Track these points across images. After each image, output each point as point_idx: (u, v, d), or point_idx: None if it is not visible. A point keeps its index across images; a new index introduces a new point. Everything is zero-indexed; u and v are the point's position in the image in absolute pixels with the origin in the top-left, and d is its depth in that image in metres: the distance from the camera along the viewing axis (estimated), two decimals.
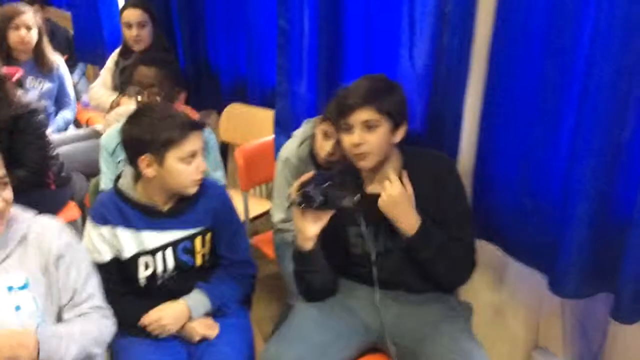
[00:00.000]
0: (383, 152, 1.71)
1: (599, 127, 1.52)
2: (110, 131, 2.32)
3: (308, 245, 1.69)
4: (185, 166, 1.71)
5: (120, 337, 1.74)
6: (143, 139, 1.69)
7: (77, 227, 2.68)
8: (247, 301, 2.04)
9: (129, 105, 2.60)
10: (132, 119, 1.75)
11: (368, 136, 1.67)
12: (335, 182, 1.66)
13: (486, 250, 1.93)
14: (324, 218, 1.66)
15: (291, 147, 2.18)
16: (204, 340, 1.77)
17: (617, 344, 1.82)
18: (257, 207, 2.79)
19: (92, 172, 2.65)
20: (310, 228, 1.65)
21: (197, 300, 1.79)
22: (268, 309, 2.32)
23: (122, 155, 2.23)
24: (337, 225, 1.75)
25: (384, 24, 2.15)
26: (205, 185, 1.84)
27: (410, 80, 2.08)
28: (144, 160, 1.70)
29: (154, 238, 1.78)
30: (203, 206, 1.82)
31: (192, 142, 1.71)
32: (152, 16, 3.16)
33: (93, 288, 1.60)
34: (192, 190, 1.76)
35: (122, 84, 3.06)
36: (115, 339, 1.76)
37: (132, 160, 1.74)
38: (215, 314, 1.83)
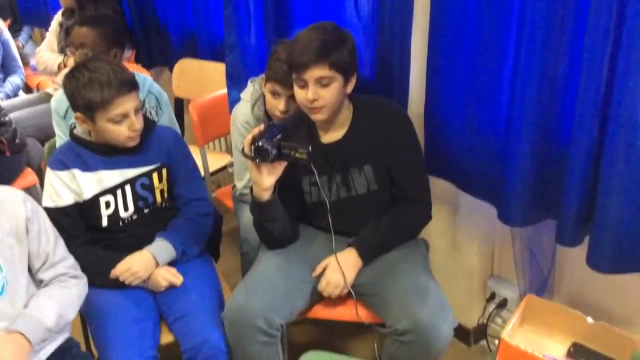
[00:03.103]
0: (337, 104, 1.74)
1: (536, 61, 1.57)
2: (59, 94, 2.29)
3: (265, 196, 1.73)
4: (117, 126, 1.74)
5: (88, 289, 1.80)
6: (71, 100, 1.75)
7: (37, 192, 2.66)
8: (212, 249, 2.10)
9: None
10: (67, 78, 1.77)
11: (322, 92, 1.68)
12: (288, 134, 1.69)
13: (440, 187, 2.01)
14: (279, 169, 1.69)
15: (246, 111, 2.16)
16: (170, 289, 1.82)
17: (564, 266, 1.93)
18: (216, 161, 2.81)
19: (46, 136, 2.62)
20: (265, 180, 1.69)
21: (160, 247, 1.84)
22: (234, 261, 2.37)
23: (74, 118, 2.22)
24: (292, 175, 1.80)
25: None
26: (158, 129, 1.93)
27: (356, 27, 2.10)
28: (78, 117, 1.77)
29: (112, 176, 1.84)
30: (157, 145, 1.90)
31: (121, 105, 1.71)
32: None
33: (64, 250, 1.65)
34: (131, 143, 1.81)
35: (67, 46, 2.99)
36: None
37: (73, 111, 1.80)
38: (179, 260, 1.88)
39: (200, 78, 2.96)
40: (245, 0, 2.42)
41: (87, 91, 1.69)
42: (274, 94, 2.01)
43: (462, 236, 2.16)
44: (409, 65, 1.98)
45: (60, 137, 2.27)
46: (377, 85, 2.12)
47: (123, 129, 1.75)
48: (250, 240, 2.11)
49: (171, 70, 3.14)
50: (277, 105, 2.01)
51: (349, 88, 1.75)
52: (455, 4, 1.77)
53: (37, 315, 1.50)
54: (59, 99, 2.27)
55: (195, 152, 2.22)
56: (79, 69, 1.75)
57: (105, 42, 2.39)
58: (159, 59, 3.29)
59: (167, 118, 2.37)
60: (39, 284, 1.61)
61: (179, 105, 3.19)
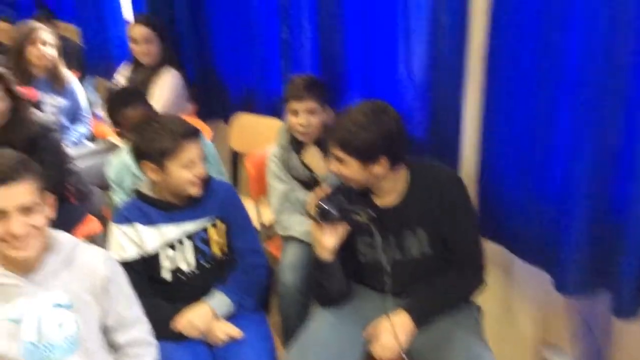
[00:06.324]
0: (361, 181, 1.77)
1: (592, 128, 1.60)
2: (114, 164, 2.44)
3: (327, 256, 1.78)
4: (186, 171, 1.85)
5: None
6: (142, 149, 1.87)
7: (99, 240, 2.75)
8: (264, 304, 2.14)
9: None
10: (136, 129, 1.92)
11: (340, 168, 1.76)
12: (350, 197, 1.75)
13: (493, 250, 2.01)
14: (341, 231, 1.76)
15: (275, 144, 2.35)
16: (227, 342, 1.86)
17: (621, 340, 1.89)
18: (269, 213, 2.87)
19: (106, 183, 2.72)
20: (328, 241, 1.76)
21: (218, 300, 1.90)
22: None
23: (129, 181, 2.34)
24: (348, 234, 1.83)
25: (381, 37, 2.24)
26: (213, 182, 2.03)
27: (408, 91, 2.17)
28: (146, 166, 1.87)
29: (172, 230, 1.92)
30: (213, 199, 1.98)
31: (189, 151, 1.85)
32: (159, 32, 3.23)
33: (140, 312, 1.70)
34: (194, 191, 1.89)
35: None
36: None
37: (138, 164, 1.91)
38: (236, 313, 1.93)
39: (257, 132, 3.06)
40: (302, 62, 2.57)
41: (159, 140, 1.82)
42: (293, 113, 2.17)
43: (516, 302, 2.14)
44: (461, 127, 2.04)
45: (118, 203, 2.36)
46: (429, 147, 2.16)
47: (190, 175, 1.85)
48: (287, 283, 2.16)
49: (227, 123, 3.26)
50: (299, 121, 2.17)
51: (377, 169, 1.74)
52: (510, 67, 1.82)
53: None
54: (115, 169, 2.39)
55: (248, 204, 2.29)
56: (146, 123, 1.89)
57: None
58: (216, 112, 3.41)
59: (215, 169, 2.47)
60: (111, 345, 1.64)
61: (234, 158, 3.29)
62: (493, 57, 1.88)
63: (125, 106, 2.43)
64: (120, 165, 2.40)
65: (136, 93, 2.62)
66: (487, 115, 1.95)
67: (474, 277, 1.88)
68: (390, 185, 1.82)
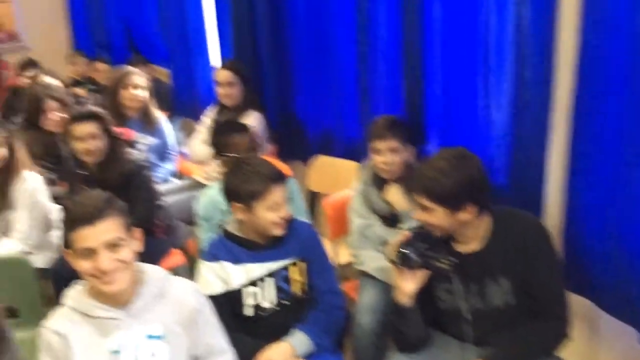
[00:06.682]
0: (447, 228, 1.78)
1: None
2: (202, 201, 2.54)
3: (406, 301, 1.80)
4: (271, 213, 1.93)
5: None
6: (232, 189, 1.97)
7: (181, 272, 2.85)
8: (339, 344, 2.16)
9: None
10: (231, 170, 2.03)
11: (426, 216, 1.77)
12: (431, 243, 1.77)
13: (578, 303, 1.95)
14: (422, 277, 1.77)
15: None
16: None
17: None
18: (346, 254, 2.91)
19: (191, 218, 2.83)
20: (408, 286, 1.78)
21: (298, 339, 1.95)
22: None
23: (217, 217, 2.43)
24: (428, 280, 1.84)
25: (463, 84, 2.29)
26: (296, 223, 2.09)
27: (490, 138, 2.18)
28: (235, 206, 1.96)
29: (256, 268, 1.99)
30: (294, 239, 2.05)
31: (276, 194, 1.94)
32: (242, 77, 3.39)
33: (225, 342, 1.78)
34: (277, 231, 1.98)
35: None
36: None
37: (228, 203, 2.00)
38: (313, 353, 1.96)
39: (334, 174, 3.13)
40: (382, 107, 2.63)
41: (249, 183, 1.92)
42: (376, 151, 2.26)
43: (601, 357, 2.06)
44: (542, 175, 2.03)
45: (204, 240, 2.46)
46: (511, 194, 2.15)
47: (275, 217, 1.94)
48: (363, 325, 2.18)
49: (305, 164, 3.35)
50: (383, 159, 2.26)
51: (463, 216, 1.75)
52: (597, 115, 1.81)
53: None
54: (206, 207, 2.50)
55: (325, 244, 2.34)
56: (239, 165, 2.00)
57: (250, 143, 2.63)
58: (295, 153, 3.52)
59: (297, 208, 2.53)
60: None
61: (312, 198, 3.37)
62: (579, 105, 1.87)
63: (234, 132, 2.59)
64: (209, 201, 2.51)
65: (243, 124, 2.75)
66: (572, 163, 1.93)
67: (558, 329, 1.83)
68: (473, 232, 1.82)
